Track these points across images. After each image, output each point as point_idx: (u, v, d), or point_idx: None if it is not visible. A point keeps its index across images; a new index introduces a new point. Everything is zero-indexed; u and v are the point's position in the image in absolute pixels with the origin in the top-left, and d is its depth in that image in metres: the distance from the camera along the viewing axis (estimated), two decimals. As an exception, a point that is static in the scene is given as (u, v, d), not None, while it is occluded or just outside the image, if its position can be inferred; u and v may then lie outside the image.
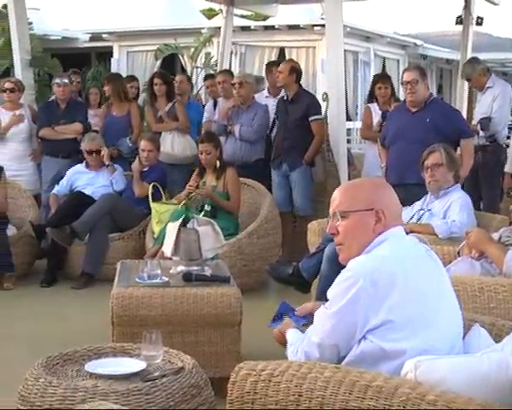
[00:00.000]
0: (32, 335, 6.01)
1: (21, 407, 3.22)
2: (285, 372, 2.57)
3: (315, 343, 2.78)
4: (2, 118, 8.70)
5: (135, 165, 7.88)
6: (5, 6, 10.97)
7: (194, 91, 13.93)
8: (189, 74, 14.45)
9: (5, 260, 7.36)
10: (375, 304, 2.63)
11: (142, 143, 7.92)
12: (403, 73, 7.09)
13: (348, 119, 12.37)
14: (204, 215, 6.57)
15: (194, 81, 14.34)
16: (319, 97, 8.69)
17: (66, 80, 8.72)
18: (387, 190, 2.93)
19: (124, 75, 11.07)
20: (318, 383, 2.48)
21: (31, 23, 11.06)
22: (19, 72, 10.03)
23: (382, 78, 9.17)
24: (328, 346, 2.75)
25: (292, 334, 3.04)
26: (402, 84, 6.82)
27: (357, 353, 2.70)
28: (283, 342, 3.09)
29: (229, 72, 9.86)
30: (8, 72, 11.77)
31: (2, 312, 6.65)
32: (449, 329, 2.75)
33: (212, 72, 13.00)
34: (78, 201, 7.66)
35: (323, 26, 11.54)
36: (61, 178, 8.19)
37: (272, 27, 16.18)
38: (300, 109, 7.96)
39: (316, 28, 15.31)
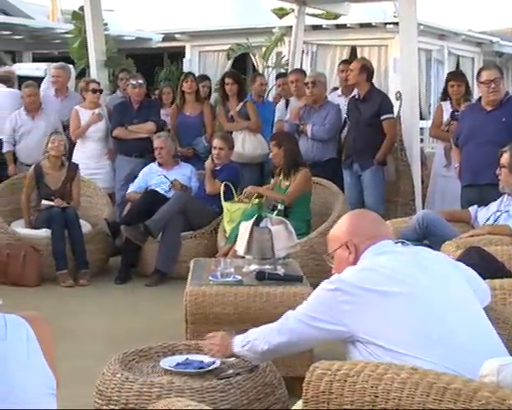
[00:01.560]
0: (107, 331, 6.10)
1: (98, 401, 3.28)
2: (361, 373, 2.54)
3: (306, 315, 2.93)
4: (82, 117, 8.84)
5: (207, 163, 7.93)
6: (81, 8, 11.14)
7: (266, 91, 13.97)
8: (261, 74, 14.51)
9: (80, 257, 7.51)
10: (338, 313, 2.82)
11: (215, 142, 7.96)
12: (481, 71, 6.92)
13: (421, 118, 12.21)
14: (277, 215, 6.57)
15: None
16: (391, 96, 8.62)
17: (141, 81, 8.82)
18: (356, 219, 3.16)
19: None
20: (395, 384, 2.45)
21: (106, 24, 11.19)
22: (94, 72, 10.19)
23: (456, 75, 8.99)
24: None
25: (242, 336, 3.20)
26: (482, 83, 6.66)
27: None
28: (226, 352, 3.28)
29: (301, 71, 9.83)
30: (84, 72, 11.96)
31: (77, 308, 6.77)
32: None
33: (283, 71, 12.99)
34: (152, 199, 7.71)
35: (396, 24, 11.46)
36: (135, 177, 8.30)
37: (344, 26, 16.10)
38: (372, 108, 7.88)
39: (388, 26, 15.18)
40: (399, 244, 3.07)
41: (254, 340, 3.07)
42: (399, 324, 2.73)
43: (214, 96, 11.10)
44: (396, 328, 2.73)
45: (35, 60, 18.09)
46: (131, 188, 8.17)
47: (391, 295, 2.77)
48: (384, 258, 2.91)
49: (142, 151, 8.61)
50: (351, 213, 3.27)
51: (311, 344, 3.19)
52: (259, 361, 3.26)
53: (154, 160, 8.29)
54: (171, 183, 7.85)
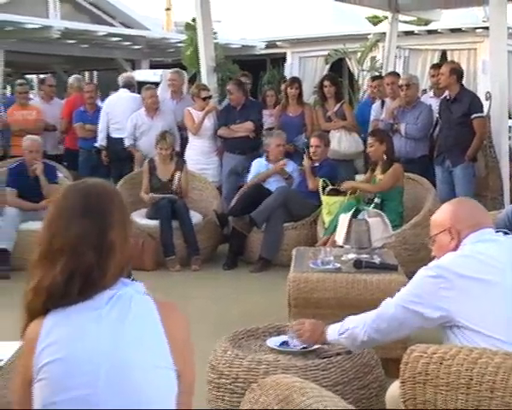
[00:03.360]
0: (216, 312, 6.15)
1: (211, 375, 3.32)
2: (456, 356, 2.50)
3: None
4: (194, 117, 8.93)
5: (305, 162, 7.89)
6: (194, 19, 11.26)
7: (361, 93, 13.85)
8: (356, 77, 14.39)
9: (191, 244, 7.62)
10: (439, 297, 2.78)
11: (312, 140, 7.96)
12: None
13: (509, 117, 11.84)
14: (373, 208, 6.49)
15: (360, 83, 14.27)
16: (481, 97, 8.41)
17: (233, 87, 8.87)
18: (460, 206, 3.09)
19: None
20: (489, 368, 2.40)
21: (215, 33, 11.27)
22: (204, 77, 10.28)
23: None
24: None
25: (337, 325, 3.13)
26: None
27: None
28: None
29: (396, 74, 9.67)
30: (195, 77, 12.10)
31: (189, 291, 6.88)
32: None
33: (377, 74, 12.83)
34: (257, 193, 7.76)
35: (485, 28, 11.15)
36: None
37: (435, 31, 15.79)
38: (462, 108, 7.70)
39: (477, 31, 14.81)
40: (500, 234, 2.98)
41: (354, 328, 3.01)
42: (495, 310, 2.67)
43: (313, 97, 11.05)
44: (491, 314, 2.67)
45: (152, 67, 18.48)
46: (249, 178, 8.21)
47: (487, 282, 2.71)
48: (483, 246, 2.84)
49: (244, 148, 8.69)
50: (454, 201, 3.21)
51: (409, 330, 3.04)
52: (357, 349, 3.18)
53: (255, 156, 8.38)
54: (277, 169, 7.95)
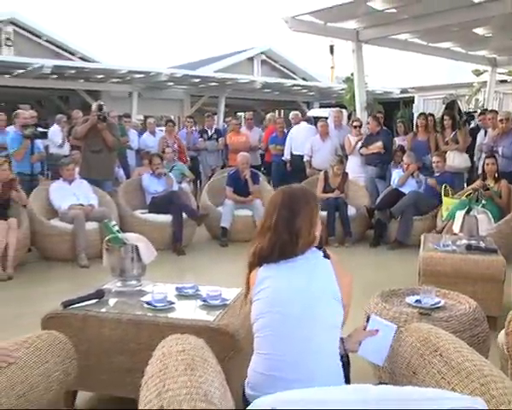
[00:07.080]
0: (364, 278, 6.07)
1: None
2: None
3: None
4: (351, 141, 8.81)
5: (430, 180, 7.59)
6: (352, 74, 11.18)
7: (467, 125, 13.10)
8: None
9: (346, 228, 7.55)
10: None
11: (433, 158, 7.72)
12: None
13: None
14: (481, 207, 6.17)
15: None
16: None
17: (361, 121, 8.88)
18: None
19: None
20: None
21: (366, 83, 11.13)
22: (359, 113, 10.25)
23: None
24: None
25: None
26: None
27: None
28: None
29: (495, 111, 9.13)
30: (350, 114, 12.03)
31: (345, 261, 6.68)
32: None
33: (479, 111, 12.10)
34: (395, 194, 7.56)
35: None
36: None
37: (523, 79, 14.71)
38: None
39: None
40: None
41: None
42: None
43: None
44: None
45: (321, 106, 18.49)
46: (392, 182, 7.96)
47: None
48: None
49: (376, 162, 8.46)
50: None
51: None
52: None
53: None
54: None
